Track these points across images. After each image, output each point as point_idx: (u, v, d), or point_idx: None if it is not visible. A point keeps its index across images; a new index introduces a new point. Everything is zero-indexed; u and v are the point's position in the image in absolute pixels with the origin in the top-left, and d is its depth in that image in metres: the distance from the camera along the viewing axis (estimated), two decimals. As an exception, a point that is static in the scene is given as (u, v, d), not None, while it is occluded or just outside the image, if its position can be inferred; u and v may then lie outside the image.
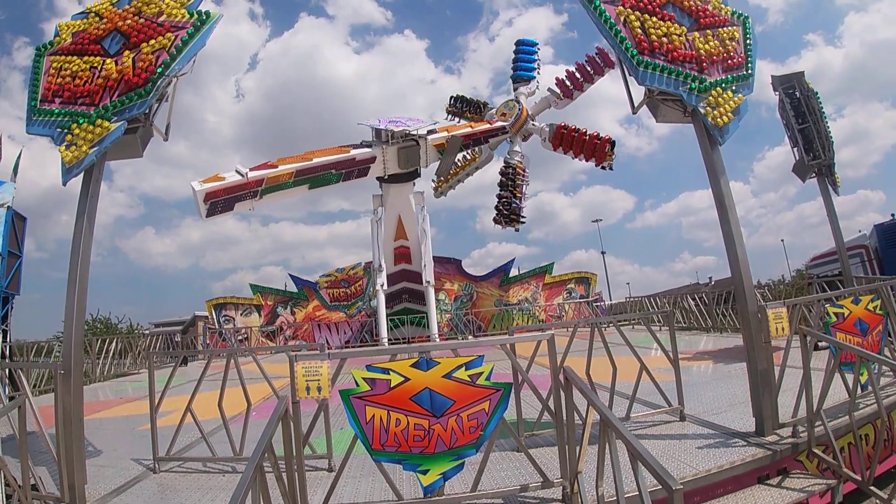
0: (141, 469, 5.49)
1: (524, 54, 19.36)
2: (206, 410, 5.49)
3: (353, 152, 15.82)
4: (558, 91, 19.01)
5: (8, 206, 11.40)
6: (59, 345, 15.60)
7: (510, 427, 4.05)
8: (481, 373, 3.73)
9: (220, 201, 12.13)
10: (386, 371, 3.66)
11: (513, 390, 3.92)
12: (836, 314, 5.41)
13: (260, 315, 22.65)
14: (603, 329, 5.66)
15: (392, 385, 3.65)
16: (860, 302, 5.58)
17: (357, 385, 3.63)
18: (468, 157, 18.96)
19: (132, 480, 5.16)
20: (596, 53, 18.18)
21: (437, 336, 17.51)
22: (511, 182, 17.69)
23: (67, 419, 4.81)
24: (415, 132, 16.40)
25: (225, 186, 12.12)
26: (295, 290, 23.27)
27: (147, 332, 24.30)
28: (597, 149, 17.06)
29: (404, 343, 18.37)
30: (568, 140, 17.44)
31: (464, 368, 3.71)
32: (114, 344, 16.39)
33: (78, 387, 5.01)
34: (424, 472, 3.62)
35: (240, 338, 21.85)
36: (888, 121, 77.22)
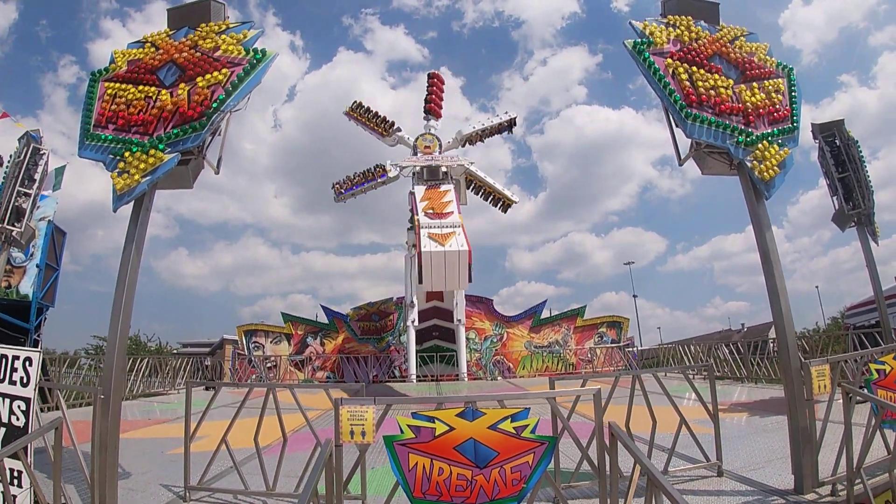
0: (171, 496, 5.49)
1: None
2: (237, 439, 5.50)
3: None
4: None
5: (49, 220, 11.79)
6: (87, 358, 15.85)
7: (551, 478, 3.99)
8: (527, 425, 3.69)
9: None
10: (431, 419, 3.65)
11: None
12: (877, 371, 5.30)
13: (290, 344, 22.74)
14: (642, 381, 5.59)
15: (437, 434, 3.62)
16: (902, 357, 5.44)
17: (402, 432, 3.61)
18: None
19: (162, 508, 5.16)
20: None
21: (465, 375, 17.46)
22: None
23: (103, 444, 4.86)
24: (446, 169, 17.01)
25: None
26: (326, 320, 23.39)
27: (175, 351, 24.53)
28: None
29: (433, 380, 18.36)
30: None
31: (509, 420, 3.68)
32: (144, 363, 16.53)
33: (116, 412, 5.08)
34: (466, 524, 3.57)
35: (269, 365, 21.97)
36: (925, 163, 75.67)
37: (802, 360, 5.21)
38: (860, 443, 4.73)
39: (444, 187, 16.53)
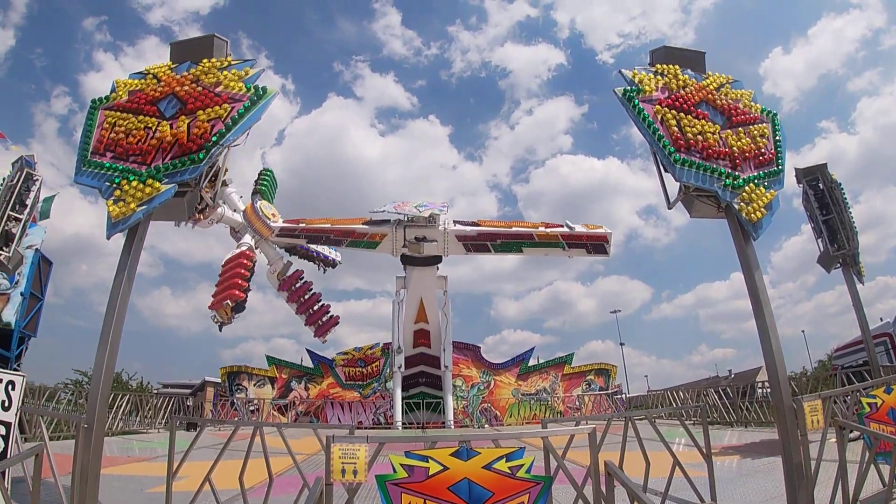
0: (151, 536, 5.30)
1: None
2: (221, 480, 5.35)
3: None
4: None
5: (36, 249, 11.66)
6: (67, 393, 15.41)
7: (547, 523, 3.90)
8: (522, 465, 3.64)
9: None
10: (425, 458, 3.59)
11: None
12: (869, 404, 5.37)
13: (273, 387, 22.39)
14: (635, 423, 5.56)
15: (430, 473, 3.56)
16: (892, 391, 5.53)
17: (394, 471, 3.55)
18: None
19: (143, 548, 4.97)
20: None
21: (452, 423, 17.20)
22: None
23: (84, 476, 4.70)
24: (435, 218, 17.04)
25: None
26: (311, 364, 23.09)
27: (156, 391, 23.96)
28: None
29: (419, 427, 18.07)
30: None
31: (504, 460, 3.63)
32: (125, 400, 16.15)
33: (99, 442, 4.92)
34: (461, 569, 3.47)
35: (251, 408, 21.52)
36: (905, 204, 77.69)
37: (796, 392, 5.24)
38: (854, 478, 4.74)
39: None
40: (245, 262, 16.53)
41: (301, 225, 17.48)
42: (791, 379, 18.95)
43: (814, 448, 5.10)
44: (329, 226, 17.28)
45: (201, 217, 12.81)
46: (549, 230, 16.33)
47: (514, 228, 16.84)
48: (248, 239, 17.76)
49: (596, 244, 16.30)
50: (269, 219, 16.98)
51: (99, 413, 4.97)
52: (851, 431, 5.17)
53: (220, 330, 15.62)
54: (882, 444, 4.92)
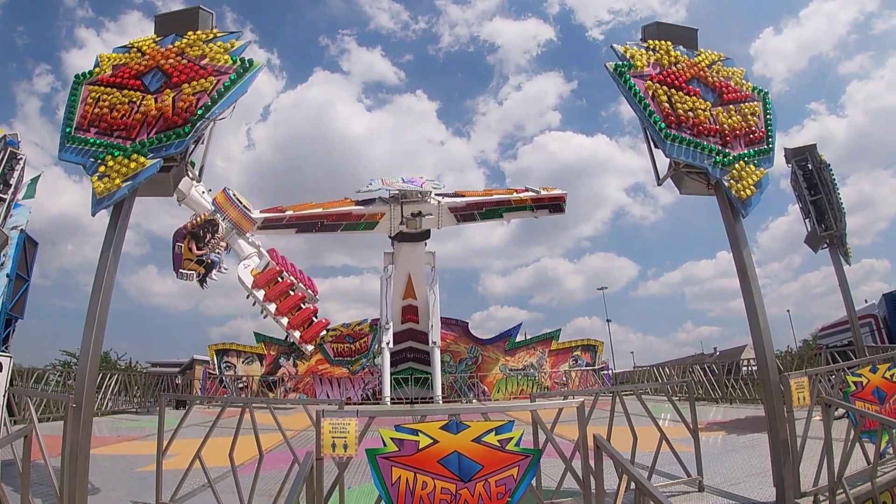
0: (142, 514, 5.30)
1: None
2: (211, 457, 5.35)
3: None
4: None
5: (21, 229, 11.44)
6: (55, 374, 15.31)
7: (538, 494, 3.95)
8: (511, 438, 3.66)
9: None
10: (415, 432, 3.59)
11: (538, 457, 3.84)
12: (854, 383, 5.44)
13: (262, 364, 22.22)
14: (622, 398, 5.61)
15: (420, 447, 3.57)
16: (878, 371, 5.60)
17: (384, 445, 3.55)
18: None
19: (134, 525, 4.98)
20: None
21: (440, 398, 17.28)
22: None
23: (73, 455, 4.68)
24: (425, 192, 16.77)
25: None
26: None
27: (145, 370, 23.84)
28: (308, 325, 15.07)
29: (407, 403, 18.12)
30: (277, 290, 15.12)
31: (494, 433, 3.65)
32: (113, 380, 16.04)
33: (88, 422, 4.90)
34: (450, 540, 3.50)
35: (240, 385, 21.38)
36: (893, 188, 78.58)
37: (781, 370, 5.30)
38: (839, 456, 4.82)
39: None
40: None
41: (288, 213, 16.56)
42: (777, 357, 19.31)
43: (799, 425, 5.17)
44: (321, 210, 16.71)
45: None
46: (521, 195, 18.32)
47: (494, 196, 18.50)
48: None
49: (556, 204, 18.65)
50: (249, 209, 15.45)
51: (87, 393, 4.93)
52: (837, 409, 5.22)
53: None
54: (867, 423, 4.99)
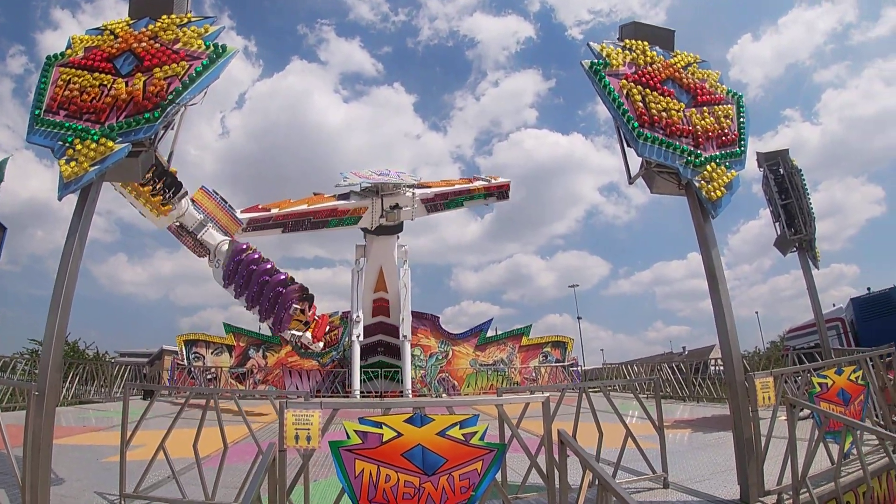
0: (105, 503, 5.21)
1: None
2: (176, 448, 5.29)
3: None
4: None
5: (-13, 214, 11.11)
6: (22, 363, 14.95)
7: (501, 489, 3.97)
8: (475, 432, 3.66)
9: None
10: (379, 425, 3.58)
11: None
12: (819, 384, 5.54)
13: (231, 356, 21.90)
14: (589, 394, 5.66)
15: (384, 439, 3.56)
16: (843, 373, 5.72)
17: (348, 437, 3.53)
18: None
19: (95, 516, 4.89)
20: None
21: (410, 392, 17.30)
22: None
23: (36, 444, 4.58)
24: (408, 185, 16.78)
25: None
26: (269, 333, 22.71)
27: (113, 360, 23.37)
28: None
29: (377, 396, 18.10)
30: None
31: (458, 427, 3.65)
32: (80, 369, 15.72)
33: (51, 410, 4.80)
34: (412, 533, 3.50)
35: (209, 377, 21.07)
36: (864, 196, 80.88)
37: (747, 369, 5.38)
38: (803, 455, 4.92)
39: None
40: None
41: (274, 211, 16.03)
42: (744, 357, 19.65)
43: (764, 424, 5.26)
44: (306, 207, 16.33)
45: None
46: (475, 185, 19.75)
47: (456, 186, 19.48)
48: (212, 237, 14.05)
49: (503, 191, 20.31)
50: (234, 210, 14.78)
51: (51, 380, 4.83)
52: (802, 409, 5.31)
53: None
54: (831, 423, 5.08)
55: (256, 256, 13.70)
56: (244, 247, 13.90)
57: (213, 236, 14.11)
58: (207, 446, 5.36)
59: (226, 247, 13.89)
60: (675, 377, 17.01)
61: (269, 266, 13.66)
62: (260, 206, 16.27)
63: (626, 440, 5.56)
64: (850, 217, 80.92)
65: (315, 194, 16.83)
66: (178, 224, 13.78)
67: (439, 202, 18.86)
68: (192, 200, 13.80)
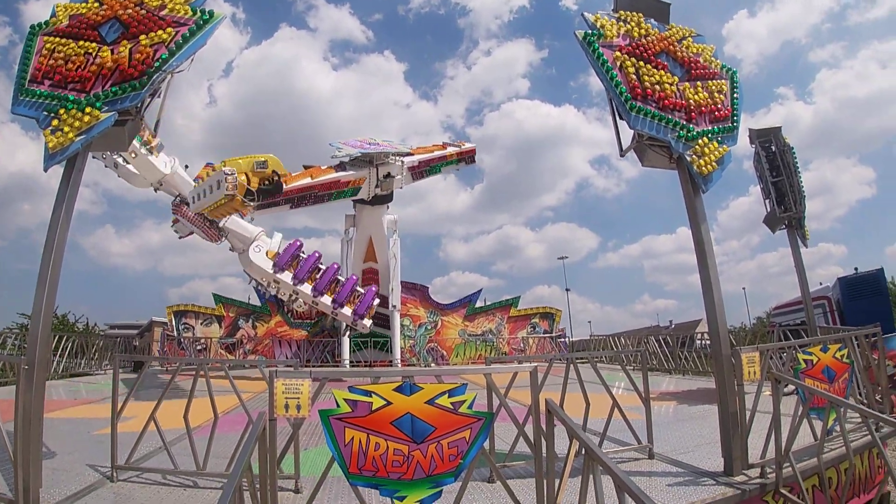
0: (97, 476, 5.25)
1: None
2: (167, 419, 5.31)
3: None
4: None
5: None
6: (12, 338, 14.88)
7: (489, 457, 4.03)
8: (464, 401, 3.70)
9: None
10: (368, 393, 3.60)
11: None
12: (805, 361, 5.63)
13: (221, 326, 21.85)
14: (577, 365, 5.72)
15: (374, 408, 3.58)
16: (828, 350, 5.81)
17: (338, 406, 3.55)
18: None
19: (88, 488, 4.93)
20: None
21: (399, 362, 17.45)
22: None
23: (27, 418, 4.58)
24: (402, 154, 16.69)
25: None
26: (258, 303, 22.73)
27: (103, 332, 23.28)
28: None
29: (366, 366, 18.21)
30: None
31: (447, 395, 3.68)
32: (70, 342, 15.68)
33: (41, 384, 4.78)
34: (401, 499, 3.55)
35: (198, 347, 21.00)
36: (855, 176, 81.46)
37: (733, 344, 5.44)
38: (788, 431, 5.02)
39: None
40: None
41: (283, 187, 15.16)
42: (730, 333, 19.95)
43: (749, 399, 5.35)
44: (310, 180, 15.57)
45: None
46: (450, 150, 20.25)
47: (435, 153, 19.74)
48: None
49: (471, 156, 21.00)
50: None
51: (40, 352, 4.79)
52: (786, 385, 5.40)
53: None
54: (816, 400, 5.17)
55: (318, 255, 14.60)
56: (298, 243, 14.48)
57: (243, 226, 14.26)
58: (198, 417, 5.39)
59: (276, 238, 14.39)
60: (661, 350, 17.23)
61: (336, 267, 14.73)
62: None
63: (613, 411, 5.64)
64: (840, 197, 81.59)
65: (305, 167, 16.42)
66: (178, 198, 13.65)
67: (423, 169, 18.98)
68: (198, 178, 13.54)
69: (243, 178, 12.10)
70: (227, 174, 11.51)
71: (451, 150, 20.33)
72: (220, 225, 14.34)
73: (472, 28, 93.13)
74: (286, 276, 13.72)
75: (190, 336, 21.13)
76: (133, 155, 11.26)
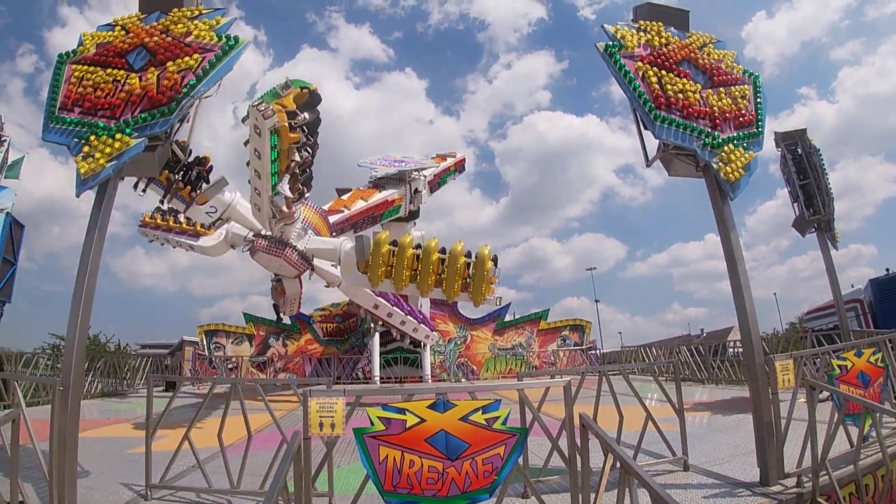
0: (131, 495, 5.31)
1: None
2: (200, 438, 5.37)
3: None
4: None
5: (7, 212, 11.27)
6: (45, 358, 15.22)
7: (523, 472, 3.99)
8: (498, 417, 3.69)
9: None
10: (402, 411, 3.61)
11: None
12: (839, 366, 5.50)
13: (251, 345, 22.09)
14: (609, 377, 5.66)
15: (408, 426, 3.59)
16: (862, 355, 5.67)
17: (372, 424, 3.56)
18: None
19: (123, 507, 4.99)
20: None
21: (429, 377, 17.38)
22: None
23: (62, 438, 4.67)
24: (429, 168, 17.20)
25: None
26: (288, 321, 22.93)
27: (135, 352, 23.68)
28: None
29: (396, 381, 18.22)
30: None
31: (481, 412, 3.67)
32: (102, 362, 15.96)
33: (76, 405, 4.88)
34: (437, 517, 3.54)
35: (229, 366, 21.27)
36: (881, 174, 79.62)
37: (766, 352, 5.33)
38: (823, 438, 4.89)
39: None
40: None
41: (347, 212, 14.86)
42: (762, 339, 19.55)
43: (784, 407, 5.24)
44: (364, 202, 15.45)
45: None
46: (450, 161, 20.48)
47: (441, 165, 19.85)
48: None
49: (462, 166, 21.27)
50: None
51: (75, 374, 4.91)
52: (821, 392, 5.29)
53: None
54: (851, 406, 5.06)
55: None
56: None
57: (323, 241, 12.01)
58: (231, 435, 5.44)
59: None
60: (693, 359, 16.92)
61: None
62: (328, 208, 14.74)
63: (647, 423, 5.55)
64: (867, 196, 79.71)
65: (338, 190, 16.57)
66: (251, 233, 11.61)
67: (437, 181, 19.31)
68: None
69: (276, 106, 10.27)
70: (255, 106, 9.55)
71: (450, 160, 20.72)
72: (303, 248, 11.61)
73: (491, 42, 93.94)
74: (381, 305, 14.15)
75: (221, 355, 21.38)
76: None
